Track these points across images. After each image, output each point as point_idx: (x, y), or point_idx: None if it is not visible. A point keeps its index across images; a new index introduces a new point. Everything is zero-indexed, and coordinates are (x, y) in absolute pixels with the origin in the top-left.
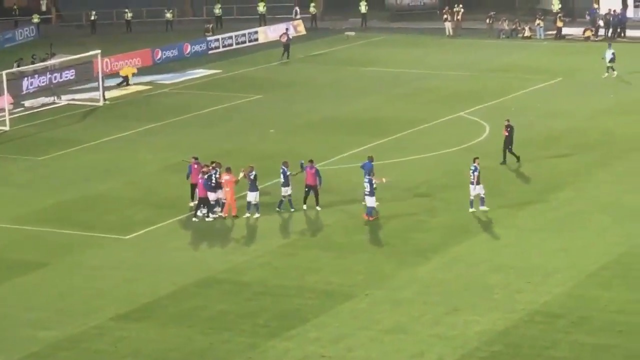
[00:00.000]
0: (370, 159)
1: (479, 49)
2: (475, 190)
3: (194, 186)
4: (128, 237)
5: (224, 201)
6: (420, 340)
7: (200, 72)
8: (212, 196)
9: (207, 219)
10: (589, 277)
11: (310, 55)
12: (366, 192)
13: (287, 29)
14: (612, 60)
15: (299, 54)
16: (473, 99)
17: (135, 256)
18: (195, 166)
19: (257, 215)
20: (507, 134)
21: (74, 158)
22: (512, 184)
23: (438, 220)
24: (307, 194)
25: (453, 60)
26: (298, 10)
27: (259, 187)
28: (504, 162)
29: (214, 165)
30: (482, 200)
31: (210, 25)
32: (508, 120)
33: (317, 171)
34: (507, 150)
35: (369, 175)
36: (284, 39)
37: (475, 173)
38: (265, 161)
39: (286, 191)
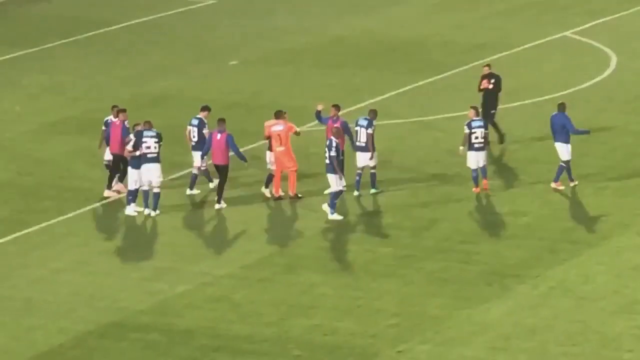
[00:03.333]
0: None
1: None
2: None
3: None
4: None
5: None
6: None
7: None
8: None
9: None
10: None
11: None
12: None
13: None
14: None
15: None
16: (584, 4)
17: None
18: (117, 122)
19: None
20: (490, 86)
21: None
22: None
23: None
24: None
25: None
26: None
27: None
28: (501, 140)
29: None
30: None
31: None
32: (489, 66)
33: (343, 124)
34: (490, 119)
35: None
36: None
37: None
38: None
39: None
